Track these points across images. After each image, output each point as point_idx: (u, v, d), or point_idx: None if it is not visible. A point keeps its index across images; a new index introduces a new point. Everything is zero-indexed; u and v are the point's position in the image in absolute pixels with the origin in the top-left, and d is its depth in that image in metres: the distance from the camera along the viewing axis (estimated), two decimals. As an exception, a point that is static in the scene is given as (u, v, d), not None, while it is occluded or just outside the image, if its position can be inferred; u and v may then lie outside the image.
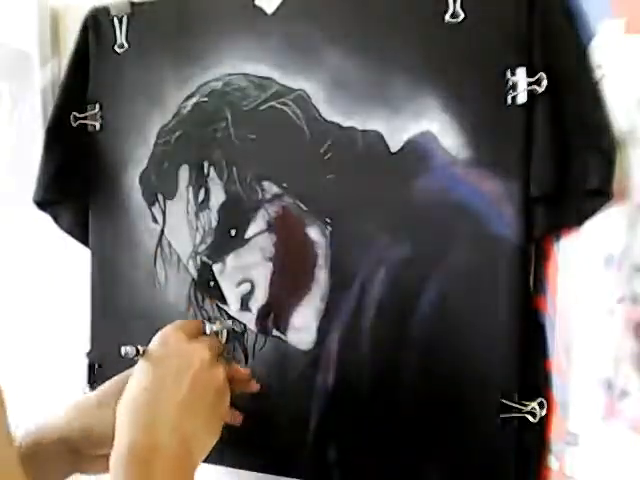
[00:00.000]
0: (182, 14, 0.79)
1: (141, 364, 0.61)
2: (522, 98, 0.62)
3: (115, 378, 0.68)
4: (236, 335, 0.75)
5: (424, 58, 0.66)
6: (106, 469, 0.56)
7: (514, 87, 0.62)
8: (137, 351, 0.61)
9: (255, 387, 0.70)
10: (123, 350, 0.62)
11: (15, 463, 0.44)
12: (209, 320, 0.74)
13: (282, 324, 0.73)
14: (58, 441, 0.65)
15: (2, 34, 0.90)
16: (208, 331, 0.67)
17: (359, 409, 0.70)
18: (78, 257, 0.87)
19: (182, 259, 0.78)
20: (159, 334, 0.64)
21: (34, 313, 0.95)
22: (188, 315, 0.77)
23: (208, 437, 0.61)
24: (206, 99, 0.76)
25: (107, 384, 0.68)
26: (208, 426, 0.61)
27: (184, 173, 0.77)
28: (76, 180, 0.83)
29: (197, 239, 0.76)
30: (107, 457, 0.57)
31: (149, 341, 0.63)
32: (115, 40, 0.81)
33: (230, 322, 0.73)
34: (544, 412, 0.63)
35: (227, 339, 0.70)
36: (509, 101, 0.62)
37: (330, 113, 0.70)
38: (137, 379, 0.60)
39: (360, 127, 0.69)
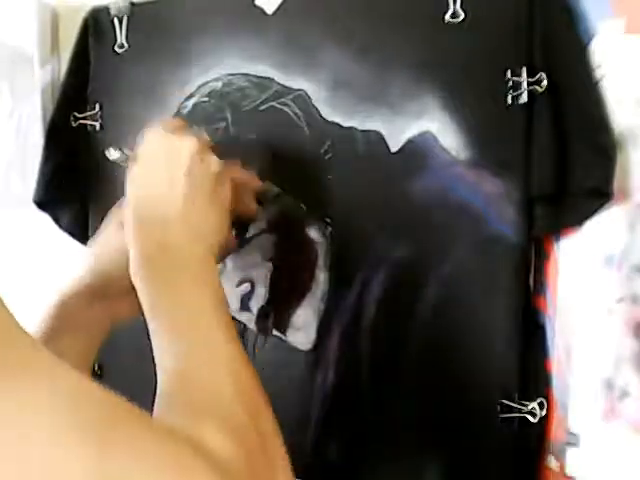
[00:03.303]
0: (182, 14, 0.79)
1: (131, 171, 0.59)
2: (522, 98, 0.62)
3: (108, 219, 0.67)
4: None
5: (424, 58, 0.66)
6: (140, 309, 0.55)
7: (514, 87, 0.62)
8: (123, 153, 0.59)
9: (256, 182, 0.68)
10: (108, 153, 0.59)
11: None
12: None
13: (282, 324, 0.73)
14: (82, 292, 0.64)
15: (2, 34, 0.90)
16: None
17: (359, 409, 0.70)
18: (78, 257, 0.87)
19: (182, 259, 0.78)
20: (143, 136, 0.61)
21: (34, 313, 0.95)
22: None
23: (216, 226, 0.59)
24: (206, 99, 0.76)
25: (102, 228, 0.67)
26: (213, 214, 0.59)
27: (184, 173, 0.77)
28: (76, 180, 0.83)
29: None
30: (135, 296, 0.56)
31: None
32: (115, 40, 0.81)
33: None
34: (544, 412, 0.63)
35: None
36: (509, 101, 0.62)
37: (330, 113, 0.70)
38: (132, 188, 0.59)
39: (360, 127, 0.69)
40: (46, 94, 0.90)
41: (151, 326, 0.54)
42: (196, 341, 0.52)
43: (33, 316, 0.91)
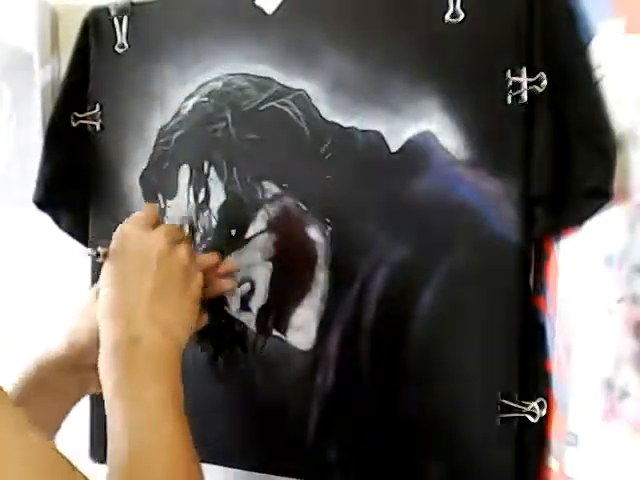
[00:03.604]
0: (182, 14, 0.79)
1: (105, 267, 0.63)
2: (522, 98, 0.62)
3: (94, 287, 0.70)
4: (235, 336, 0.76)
5: (424, 58, 0.66)
6: None
7: (514, 87, 0.62)
8: (97, 253, 0.63)
9: (225, 268, 0.71)
10: (85, 252, 0.65)
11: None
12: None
13: (282, 324, 0.73)
14: (56, 361, 0.68)
15: (2, 34, 0.90)
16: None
17: (359, 409, 0.70)
18: (78, 257, 0.87)
19: (182, 259, 0.78)
20: (116, 232, 0.65)
21: (34, 313, 0.95)
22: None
23: (185, 318, 0.63)
24: (206, 99, 0.76)
25: (86, 294, 0.71)
26: (182, 307, 0.63)
27: (184, 173, 0.77)
28: (76, 180, 0.83)
29: (197, 239, 0.76)
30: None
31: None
32: (115, 40, 0.81)
33: (189, 217, 0.75)
34: (544, 412, 0.63)
35: (190, 232, 0.72)
36: (509, 101, 0.62)
37: (330, 113, 0.70)
38: (105, 283, 0.63)
39: (360, 127, 0.69)
40: (46, 94, 0.90)
41: (107, 412, 0.57)
42: (141, 441, 0.55)
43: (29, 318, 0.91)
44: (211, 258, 0.71)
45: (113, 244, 0.64)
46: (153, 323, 0.60)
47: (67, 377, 0.69)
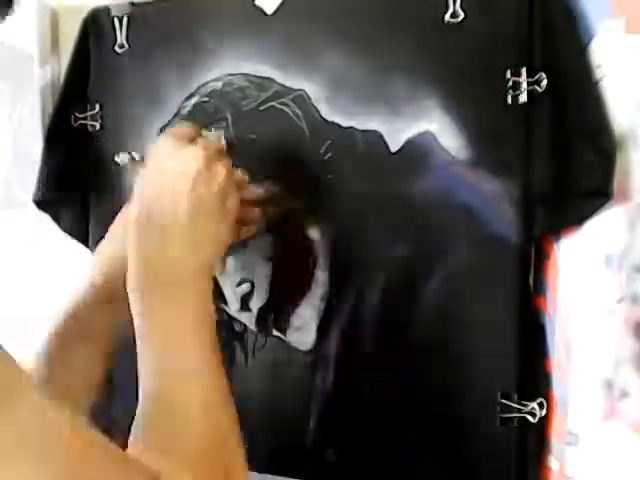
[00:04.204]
0: (182, 14, 0.79)
1: (138, 180, 0.59)
2: (522, 98, 0.62)
3: (115, 223, 0.68)
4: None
5: (424, 58, 0.66)
6: None
7: (514, 87, 0.62)
8: (132, 158, 0.60)
9: (254, 191, 0.69)
10: (117, 157, 0.61)
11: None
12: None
13: (282, 324, 0.73)
14: (93, 294, 0.66)
15: (2, 34, 0.90)
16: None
17: (359, 409, 0.70)
18: (78, 257, 0.87)
19: (182, 259, 0.78)
20: (152, 146, 0.61)
21: (33, 313, 0.95)
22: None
23: (221, 239, 0.60)
24: (206, 99, 0.76)
25: (110, 231, 0.68)
26: (218, 228, 0.60)
27: (184, 173, 0.77)
28: (76, 180, 0.83)
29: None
30: None
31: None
32: (115, 40, 0.81)
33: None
34: (544, 412, 0.63)
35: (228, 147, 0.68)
36: (509, 101, 0.62)
37: (330, 113, 0.70)
38: (138, 198, 0.59)
39: (360, 127, 0.69)
40: (46, 94, 0.90)
41: (137, 334, 0.55)
42: (173, 363, 0.54)
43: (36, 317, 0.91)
44: (242, 177, 0.67)
45: (150, 153, 0.60)
46: (184, 246, 0.57)
47: (104, 311, 0.66)
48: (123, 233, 0.64)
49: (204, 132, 0.66)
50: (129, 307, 0.61)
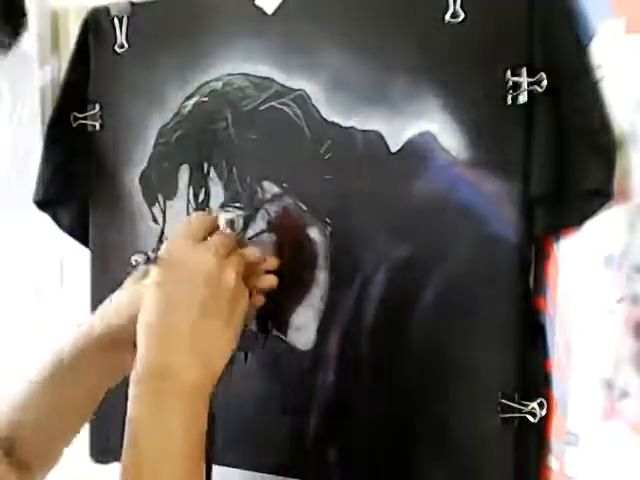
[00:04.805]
0: (182, 14, 0.79)
1: (155, 277, 0.60)
2: (522, 98, 0.62)
3: (126, 289, 0.68)
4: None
5: (424, 58, 0.66)
6: None
7: (514, 87, 0.62)
8: (148, 258, 0.60)
9: (271, 264, 0.68)
10: (133, 260, 0.61)
11: None
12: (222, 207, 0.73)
13: (282, 324, 0.73)
14: (94, 341, 0.66)
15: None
16: (222, 224, 0.65)
17: (359, 409, 0.70)
18: (78, 257, 0.87)
19: (182, 259, 0.78)
20: (166, 243, 0.63)
21: (33, 314, 0.95)
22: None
23: (226, 348, 0.61)
24: (206, 99, 0.76)
25: (122, 293, 0.68)
26: (224, 336, 0.60)
27: (184, 173, 0.77)
28: (76, 180, 0.84)
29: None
30: None
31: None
32: (115, 40, 0.81)
33: (242, 212, 0.71)
34: (544, 412, 0.63)
35: (244, 225, 0.68)
36: (509, 101, 0.62)
37: (330, 113, 0.70)
38: (150, 299, 0.60)
39: (360, 127, 0.69)
40: (46, 94, 0.90)
41: (128, 411, 0.57)
42: (157, 467, 0.56)
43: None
44: (255, 255, 0.66)
45: (163, 255, 0.61)
46: (192, 353, 0.58)
47: (104, 358, 0.67)
48: (128, 302, 0.65)
49: (220, 217, 0.66)
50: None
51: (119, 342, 0.65)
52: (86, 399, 0.69)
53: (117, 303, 0.67)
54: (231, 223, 0.66)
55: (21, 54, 0.89)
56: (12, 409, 0.66)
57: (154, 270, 0.60)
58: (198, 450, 0.57)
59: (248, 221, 0.72)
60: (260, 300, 0.68)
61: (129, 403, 0.58)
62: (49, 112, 0.86)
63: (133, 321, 0.60)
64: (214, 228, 0.64)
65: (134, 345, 0.60)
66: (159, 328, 0.59)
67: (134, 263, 0.61)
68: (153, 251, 0.62)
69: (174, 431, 0.56)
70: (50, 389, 0.66)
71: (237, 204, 0.74)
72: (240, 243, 0.65)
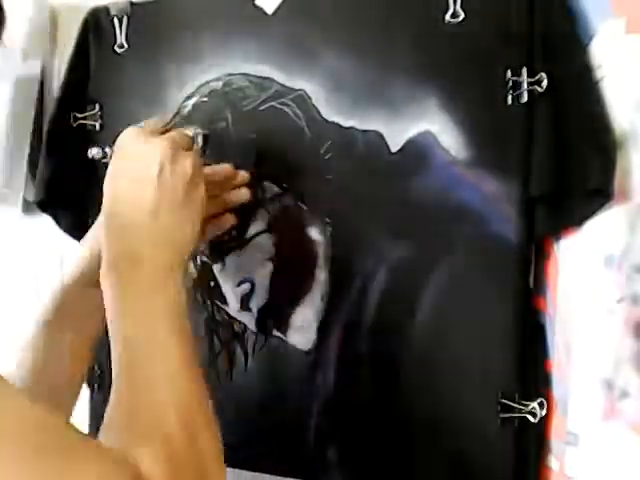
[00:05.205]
0: (182, 14, 0.79)
1: (107, 177, 0.60)
2: (522, 98, 0.62)
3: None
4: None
5: (424, 58, 0.66)
6: None
7: (514, 87, 0.62)
8: (104, 154, 0.61)
9: (241, 178, 0.69)
10: (89, 152, 0.62)
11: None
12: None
13: (282, 324, 0.73)
14: (79, 277, 0.67)
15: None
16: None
17: (359, 409, 0.70)
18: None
19: (182, 259, 0.78)
20: (119, 137, 0.62)
21: (33, 313, 0.95)
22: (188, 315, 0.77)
23: (188, 230, 0.59)
24: (206, 99, 0.76)
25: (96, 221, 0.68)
26: (185, 219, 0.59)
27: (184, 173, 0.77)
28: (76, 180, 0.83)
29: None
30: None
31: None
32: (115, 40, 0.81)
33: (203, 130, 0.69)
34: (544, 412, 0.63)
35: (204, 143, 0.67)
36: (509, 101, 0.62)
37: (330, 113, 0.70)
38: (106, 192, 0.59)
39: (360, 127, 0.69)
40: (46, 94, 0.90)
41: (110, 329, 0.56)
42: (146, 353, 0.54)
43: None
44: (224, 169, 0.67)
45: (117, 145, 0.60)
46: (152, 237, 0.57)
47: (89, 296, 0.65)
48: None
49: (181, 129, 0.66)
50: None
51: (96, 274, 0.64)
52: (80, 341, 0.68)
53: (90, 236, 0.68)
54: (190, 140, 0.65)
55: (21, 54, 0.89)
56: (19, 349, 0.67)
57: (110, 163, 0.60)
58: (182, 329, 0.55)
59: (207, 140, 0.70)
60: (229, 220, 0.68)
61: (104, 298, 0.56)
62: (49, 112, 0.86)
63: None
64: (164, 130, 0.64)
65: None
66: (120, 219, 0.57)
67: (90, 156, 0.61)
68: (110, 147, 0.61)
69: (158, 317, 0.55)
70: (46, 329, 0.67)
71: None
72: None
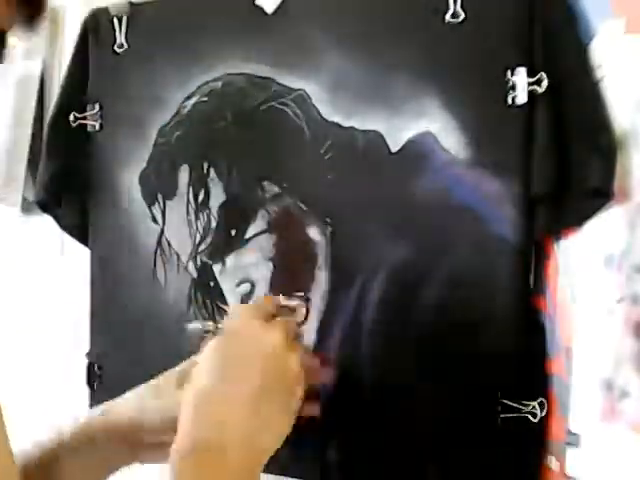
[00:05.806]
0: (182, 14, 0.79)
1: (209, 350, 0.57)
2: (522, 98, 0.62)
3: (179, 367, 0.64)
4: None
5: (424, 58, 0.66)
6: (164, 457, 0.54)
7: (514, 87, 0.62)
8: (207, 330, 0.59)
9: (326, 376, 0.67)
10: (189, 325, 0.59)
11: (14, 472, 0.43)
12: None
13: (282, 324, 0.73)
14: (107, 431, 0.62)
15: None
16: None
17: (359, 409, 0.70)
18: (78, 257, 0.87)
19: (182, 259, 0.78)
20: (232, 314, 0.60)
21: (34, 313, 0.95)
22: (189, 315, 0.77)
23: (279, 431, 0.57)
24: (206, 99, 0.76)
25: (169, 373, 0.64)
26: (279, 420, 0.57)
27: (184, 173, 0.77)
28: (76, 180, 0.83)
29: (197, 239, 0.76)
30: (163, 445, 0.56)
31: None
32: (115, 40, 0.81)
33: (306, 299, 0.69)
34: (544, 412, 0.63)
35: (305, 317, 0.67)
36: (509, 101, 0.62)
37: (330, 113, 0.70)
38: (206, 367, 0.56)
39: (360, 127, 0.69)
40: (46, 93, 0.90)
41: None
42: None
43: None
44: (313, 360, 0.65)
45: (226, 325, 0.59)
46: (244, 433, 0.54)
47: (117, 445, 0.62)
48: (171, 388, 0.62)
49: (282, 300, 0.66)
50: (148, 454, 0.61)
51: (137, 438, 0.62)
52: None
53: (149, 400, 0.63)
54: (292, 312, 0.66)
55: (21, 54, 0.89)
56: None
57: (214, 339, 0.57)
58: None
59: (309, 309, 0.71)
60: (314, 411, 0.66)
61: (178, 472, 0.52)
62: (49, 112, 0.86)
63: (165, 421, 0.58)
64: (275, 313, 0.62)
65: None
66: (210, 400, 0.54)
67: (190, 329, 0.59)
68: (214, 322, 0.59)
69: None
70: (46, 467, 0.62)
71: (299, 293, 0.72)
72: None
